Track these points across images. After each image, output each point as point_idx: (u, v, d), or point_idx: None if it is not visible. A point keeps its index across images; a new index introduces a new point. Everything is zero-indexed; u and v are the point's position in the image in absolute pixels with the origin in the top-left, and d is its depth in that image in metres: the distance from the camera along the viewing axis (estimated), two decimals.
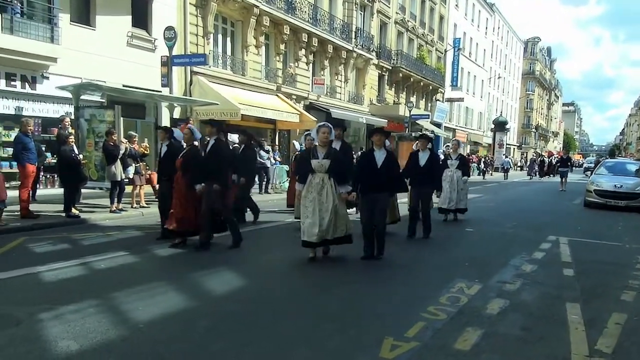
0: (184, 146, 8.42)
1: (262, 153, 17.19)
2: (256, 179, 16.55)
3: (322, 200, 7.01)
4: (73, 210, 10.55)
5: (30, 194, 10.72)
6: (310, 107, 25.53)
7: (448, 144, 14.77)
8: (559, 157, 34.15)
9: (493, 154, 49.20)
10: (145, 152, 12.59)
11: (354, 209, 9.74)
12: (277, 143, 23.06)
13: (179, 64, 16.59)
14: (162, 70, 16.12)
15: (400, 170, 8.70)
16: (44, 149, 12.59)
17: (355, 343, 4.33)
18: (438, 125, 41.69)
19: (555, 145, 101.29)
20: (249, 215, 11.06)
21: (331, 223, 7.02)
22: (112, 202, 11.44)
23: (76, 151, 10.90)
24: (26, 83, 13.47)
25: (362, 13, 31.12)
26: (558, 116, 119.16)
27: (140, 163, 12.27)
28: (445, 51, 44.84)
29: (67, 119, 12.00)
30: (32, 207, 10.46)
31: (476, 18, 53.64)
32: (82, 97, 12.61)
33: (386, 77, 35.01)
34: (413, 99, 37.79)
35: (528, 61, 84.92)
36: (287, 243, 8.44)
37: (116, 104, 12.37)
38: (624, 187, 16.29)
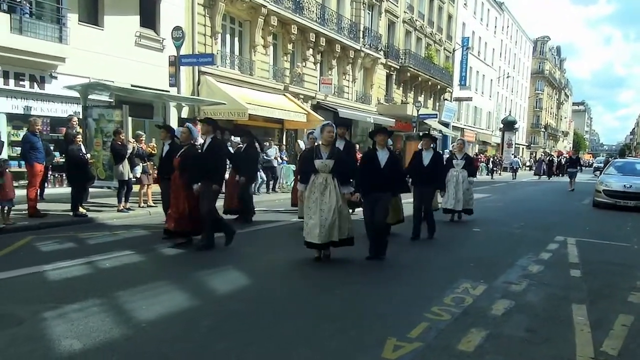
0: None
1: (270, 152, 17.23)
2: (261, 177, 16.65)
3: (324, 200, 6.93)
4: (80, 209, 10.60)
5: (38, 193, 10.78)
6: (318, 107, 25.51)
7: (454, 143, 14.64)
8: (568, 157, 33.92)
9: (502, 154, 48.97)
10: (153, 151, 12.64)
11: (360, 209, 9.69)
12: (284, 143, 23.06)
13: (187, 64, 16.63)
14: (169, 70, 16.18)
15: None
16: (52, 148, 12.66)
17: (357, 343, 4.32)
18: (446, 124, 41.57)
19: (565, 145, 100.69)
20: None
21: (334, 224, 6.91)
22: (119, 202, 11.49)
23: (84, 150, 10.94)
24: (35, 83, 13.54)
25: (370, 12, 31.06)
26: (568, 116, 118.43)
27: (148, 162, 12.32)
28: (454, 50, 44.68)
29: (75, 119, 12.05)
30: (40, 206, 10.52)
31: (485, 17, 53.39)
32: (90, 96, 12.66)
33: (394, 77, 34.92)
34: (421, 98, 37.69)
35: (537, 60, 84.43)
36: (291, 243, 8.43)
37: (124, 104, 12.41)
38: (634, 187, 16.13)
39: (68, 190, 10.92)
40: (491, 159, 40.96)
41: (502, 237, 10.17)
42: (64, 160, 11.74)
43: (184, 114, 16.60)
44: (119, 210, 11.33)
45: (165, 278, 6.22)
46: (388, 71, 33.98)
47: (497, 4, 57.08)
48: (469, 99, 46.98)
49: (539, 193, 23.59)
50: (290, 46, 23.84)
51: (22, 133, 11.91)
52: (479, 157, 40.41)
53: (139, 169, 12.02)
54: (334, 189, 6.96)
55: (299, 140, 10.90)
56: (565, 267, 7.55)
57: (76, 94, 12.64)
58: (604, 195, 16.55)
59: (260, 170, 16.68)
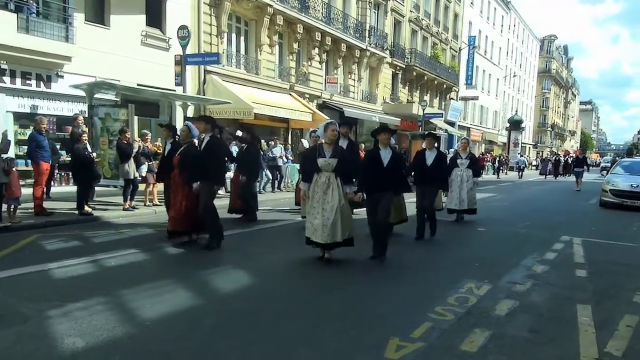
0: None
1: (275, 151, 17.25)
2: (267, 176, 16.69)
3: (327, 200, 6.86)
4: (86, 207, 10.65)
5: (44, 192, 10.83)
6: (324, 106, 25.51)
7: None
8: (575, 156, 33.73)
9: (508, 153, 48.82)
10: (158, 150, 12.65)
11: (362, 209, 9.64)
12: (289, 142, 23.07)
13: (193, 63, 16.66)
14: (175, 69, 16.23)
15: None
16: (58, 147, 12.72)
17: (359, 343, 4.32)
18: (452, 124, 41.50)
19: (572, 145, 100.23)
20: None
21: (337, 223, 6.82)
22: (125, 200, 11.53)
23: (89, 149, 10.97)
24: (41, 82, 13.61)
25: (376, 11, 31.02)
26: (575, 115, 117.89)
27: (154, 161, 12.34)
28: (460, 49, 44.56)
29: (81, 117, 12.10)
30: (46, 204, 10.56)
31: (492, 16, 53.23)
32: (96, 95, 12.70)
33: (400, 76, 34.87)
34: (427, 97, 37.65)
35: (544, 59, 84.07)
36: (294, 242, 8.41)
37: (130, 103, 12.43)
38: None
39: (74, 188, 10.95)
40: (497, 159, 40.81)
41: (507, 237, 10.13)
42: (70, 158, 11.79)
43: (190, 113, 16.64)
44: (124, 209, 11.37)
45: (170, 277, 6.23)
46: (394, 70, 33.92)
47: (504, 2, 56.90)
48: (475, 98, 46.86)
49: (545, 193, 23.51)
50: (296, 45, 23.85)
51: (28, 132, 11.97)
52: (485, 156, 40.31)
53: (144, 168, 12.08)
54: (337, 188, 6.89)
55: (302, 139, 10.89)
56: (571, 267, 7.52)
57: (82, 93, 12.68)
58: (611, 195, 16.47)
59: (266, 169, 16.74)
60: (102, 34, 15.02)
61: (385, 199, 7.28)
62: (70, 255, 7.03)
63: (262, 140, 17.61)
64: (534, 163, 58.33)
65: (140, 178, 11.83)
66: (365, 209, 7.78)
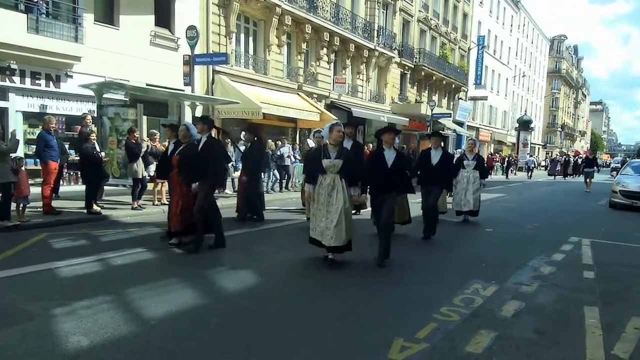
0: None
1: (283, 150, 17.26)
2: (274, 176, 16.70)
3: (331, 202, 6.77)
4: (94, 207, 10.69)
5: (53, 191, 10.89)
6: (332, 106, 25.50)
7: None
8: (585, 156, 33.50)
9: (517, 153, 48.59)
10: None
11: (367, 209, 9.57)
12: (297, 142, 23.08)
13: (201, 63, 16.70)
14: (184, 69, 16.27)
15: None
16: (67, 146, 12.79)
17: (363, 343, 4.31)
18: (461, 124, 41.35)
19: (582, 145, 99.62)
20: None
21: (341, 226, 6.72)
22: (133, 199, 11.59)
23: (98, 149, 11.03)
24: (50, 82, 13.70)
25: (385, 11, 30.96)
26: (585, 115, 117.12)
27: None
28: (469, 49, 44.39)
29: (89, 117, 12.16)
30: (55, 203, 10.62)
31: (501, 15, 52.97)
32: (105, 95, 12.76)
33: (408, 76, 34.78)
34: (435, 97, 37.55)
35: (554, 59, 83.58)
36: (300, 242, 8.36)
37: (139, 103, 12.47)
38: None
39: (83, 188, 11.02)
40: (506, 159, 40.62)
41: (514, 238, 10.08)
42: (78, 158, 11.86)
43: (198, 112, 16.68)
44: (133, 208, 11.42)
45: (175, 276, 6.24)
46: (402, 70, 33.85)
47: (514, 2, 56.60)
48: (484, 98, 46.67)
49: (555, 193, 23.36)
50: (304, 45, 23.85)
51: (37, 131, 12.05)
52: (494, 156, 40.14)
53: (153, 167, 12.11)
54: (342, 190, 6.79)
55: (308, 139, 10.84)
56: (579, 268, 7.46)
57: (91, 93, 12.75)
58: (621, 195, 16.33)
59: (274, 169, 16.77)
60: (111, 34, 15.09)
61: (389, 200, 7.18)
62: (77, 254, 7.08)
63: (270, 140, 17.67)
64: (543, 163, 57.97)
65: (148, 177, 11.88)
66: (369, 209, 7.71)
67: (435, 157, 9.51)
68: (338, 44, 25.72)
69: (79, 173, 12.28)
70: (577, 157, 43.39)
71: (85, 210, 10.56)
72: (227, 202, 12.23)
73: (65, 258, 6.81)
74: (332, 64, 26.48)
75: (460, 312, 5.13)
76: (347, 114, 25.49)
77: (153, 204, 12.14)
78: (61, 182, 12.61)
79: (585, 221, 13.29)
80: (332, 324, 4.75)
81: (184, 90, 15.80)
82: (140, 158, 11.41)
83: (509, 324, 4.91)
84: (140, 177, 11.51)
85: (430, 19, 36.82)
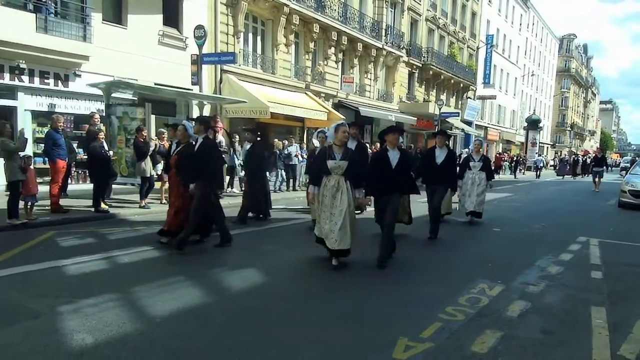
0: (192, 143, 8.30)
1: (290, 150, 17.26)
2: (281, 176, 16.71)
3: (335, 204, 6.63)
4: (102, 205, 10.74)
5: (61, 189, 10.95)
6: (339, 105, 25.50)
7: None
8: (594, 155, 33.24)
9: (526, 153, 48.36)
10: None
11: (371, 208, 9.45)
12: (305, 141, 23.09)
13: (209, 62, 16.75)
14: (192, 69, 16.33)
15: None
16: (75, 145, 12.86)
17: (367, 343, 4.30)
18: (469, 123, 41.20)
19: (592, 145, 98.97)
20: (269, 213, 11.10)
21: (346, 229, 6.59)
22: (141, 198, 11.62)
23: (106, 147, 11.08)
24: (59, 81, 13.80)
25: (393, 10, 30.91)
26: (595, 114, 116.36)
27: None
28: (478, 48, 44.21)
29: (97, 116, 12.22)
30: (63, 202, 10.68)
31: (510, 14, 52.73)
32: (114, 94, 12.83)
33: (416, 75, 34.72)
34: (443, 96, 37.47)
35: (563, 58, 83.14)
36: (305, 241, 8.37)
37: (147, 102, 12.53)
38: None
39: (91, 186, 11.07)
40: (515, 158, 40.42)
41: (522, 238, 10.02)
42: (86, 157, 11.92)
43: (206, 112, 16.74)
44: (140, 207, 11.46)
45: (181, 274, 6.26)
46: (410, 69, 33.78)
47: (523, 1, 56.32)
48: (493, 97, 46.46)
49: (563, 193, 23.21)
50: (312, 45, 23.86)
51: (46, 130, 12.13)
52: (503, 155, 39.96)
53: (160, 166, 12.14)
54: (347, 192, 6.65)
55: (313, 139, 10.75)
56: (587, 268, 7.41)
57: (99, 92, 12.81)
58: (630, 195, 16.19)
59: (281, 168, 16.77)
60: (120, 34, 15.17)
61: (393, 202, 7.06)
62: (84, 252, 7.11)
63: (276, 140, 17.70)
64: (552, 163, 57.62)
65: (156, 176, 11.92)
66: (371, 209, 7.59)
67: (440, 156, 9.40)
68: (346, 43, 25.70)
69: (87, 172, 12.34)
70: (586, 157, 43.05)
71: (93, 209, 10.61)
72: (234, 201, 12.24)
73: (72, 256, 6.84)
74: (340, 63, 26.48)
75: (466, 312, 5.11)
76: (354, 113, 25.49)
77: (160, 203, 12.17)
78: (69, 181, 12.70)
79: (594, 221, 13.19)
80: (337, 324, 4.75)
81: (191, 90, 15.86)
82: (148, 157, 11.45)
83: (515, 324, 4.88)
84: (149, 175, 11.56)
85: (439, 18, 36.72)
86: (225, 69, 18.81)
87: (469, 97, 42.75)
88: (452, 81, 38.76)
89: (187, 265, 6.88)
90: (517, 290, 6.06)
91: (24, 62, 12.86)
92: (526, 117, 54.63)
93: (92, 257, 6.86)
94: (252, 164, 10.79)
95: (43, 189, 10.26)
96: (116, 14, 15.44)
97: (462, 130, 38.88)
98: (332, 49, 25.11)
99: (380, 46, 28.41)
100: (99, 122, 12.02)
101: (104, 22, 14.72)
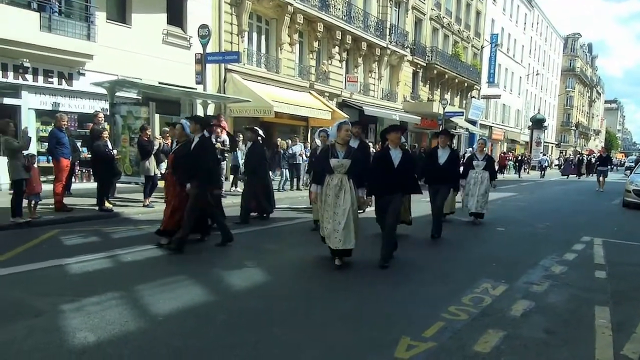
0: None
1: (295, 149, 17.24)
2: (285, 175, 16.70)
3: (339, 203, 6.53)
4: (106, 204, 10.76)
5: (65, 188, 10.97)
6: (343, 105, 25.49)
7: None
8: (599, 155, 33.08)
9: (530, 152, 48.22)
10: None
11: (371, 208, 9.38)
12: (309, 140, 23.08)
13: (213, 62, 16.74)
14: (196, 68, 16.31)
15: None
16: (79, 144, 12.87)
17: (370, 342, 4.29)
18: (473, 122, 41.13)
19: (596, 144, 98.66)
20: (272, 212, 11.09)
21: (350, 228, 6.52)
22: (145, 197, 11.64)
23: (110, 146, 11.09)
24: (63, 79, 13.83)
25: (397, 9, 30.87)
26: (600, 114, 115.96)
27: None
28: (482, 47, 44.11)
29: (101, 114, 12.22)
30: (67, 200, 10.70)
31: (515, 13, 52.60)
32: (118, 93, 12.85)
33: (420, 74, 34.68)
34: (447, 96, 37.43)
35: (568, 58, 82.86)
36: (308, 241, 8.37)
37: (151, 101, 12.54)
38: None
39: (95, 185, 11.09)
40: (519, 157, 40.29)
41: (526, 237, 9.99)
42: (90, 155, 11.94)
43: (210, 111, 16.75)
44: (144, 206, 11.47)
45: (184, 273, 6.26)
46: (414, 69, 33.75)
47: (527, 0, 56.19)
48: (497, 96, 46.35)
49: (567, 193, 23.14)
50: (316, 44, 23.86)
51: (50, 129, 12.16)
52: (507, 155, 39.86)
53: (164, 165, 12.15)
54: (350, 191, 6.57)
55: (315, 138, 10.66)
56: (590, 268, 7.38)
57: (103, 91, 12.83)
58: (634, 195, 16.12)
59: (286, 167, 16.77)
60: (124, 33, 15.19)
61: (395, 202, 6.99)
62: (88, 251, 7.12)
63: (279, 139, 17.69)
64: (556, 163, 57.39)
65: (160, 175, 11.92)
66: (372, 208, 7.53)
67: (443, 156, 9.30)
68: (350, 42, 25.68)
69: (91, 170, 12.36)
70: (590, 156, 42.87)
71: (97, 208, 10.64)
72: (238, 200, 12.22)
73: (76, 255, 6.85)
74: (344, 62, 26.49)
75: (469, 312, 5.09)
76: (358, 112, 25.48)
77: (164, 202, 12.15)
78: (73, 180, 12.73)
79: (598, 220, 13.14)
80: (339, 323, 4.74)
81: (196, 89, 15.86)
82: (152, 156, 11.47)
83: (518, 324, 4.86)
84: (153, 174, 11.56)
85: (443, 17, 36.66)
86: (229, 68, 18.82)
87: (473, 97, 42.68)
88: (457, 80, 38.70)
89: (189, 264, 6.88)
90: (520, 289, 6.04)
91: (28, 60, 12.89)
92: (531, 116, 54.48)
93: (95, 256, 6.86)
94: (252, 163, 10.77)
95: (47, 187, 10.26)
96: (120, 13, 15.48)
97: (467, 129, 38.80)
98: (336, 48, 25.09)
99: (385, 45, 28.38)
100: (103, 121, 12.01)
101: (108, 21, 14.75)
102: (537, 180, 32.67)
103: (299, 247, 8.28)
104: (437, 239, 9.17)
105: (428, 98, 35.31)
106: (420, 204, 10.64)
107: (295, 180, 17.53)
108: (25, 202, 9.11)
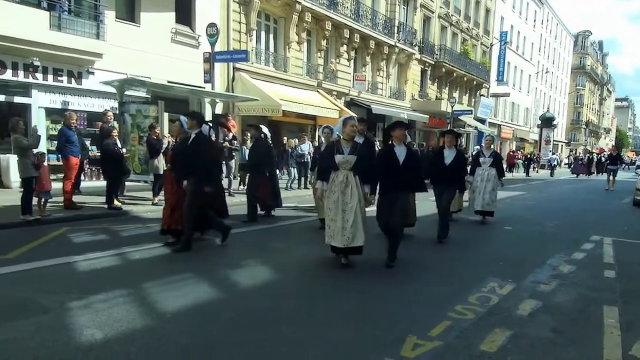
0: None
1: (303, 147, 17.24)
2: (293, 174, 16.71)
3: (346, 200, 6.42)
4: (115, 202, 10.81)
5: (75, 186, 11.04)
6: (351, 103, 25.47)
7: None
8: (609, 153, 32.82)
9: (539, 151, 47.96)
10: None
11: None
12: (317, 139, 23.07)
13: (221, 60, 16.77)
14: (204, 67, 16.34)
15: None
16: (88, 142, 12.94)
17: (376, 341, 4.29)
18: (482, 121, 40.95)
19: (607, 142, 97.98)
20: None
21: (358, 224, 6.42)
22: (154, 195, 11.69)
23: (119, 145, 11.15)
24: (72, 78, 13.92)
25: (405, 7, 30.79)
26: (610, 112, 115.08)
27: None
28: (491, 45, 43.90)
29: (110, 113, 12.29)
30: (76, 198, 10.77)
31: (524, 10, 52.30)
32: (127, 92, 12.91)
33: (429, 72, 34.57)
34: (456, 94, 37.30)
35: (578, 55, 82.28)
36: (314, 240, 8.31)
37: (160, 99, 12.58)
38: None
39: (104, 183, 11.15)
40: (528, 156, 40.05)
41: (534, 236, 9.93)
42: (99, 154, 12.00)
43: (219, 109, 16.80)
44: (153, 204, 11.52)
45: (191, 270, 6.29)
46: (423, 67, 33.65)
47: None
48: (507, 94, 46.14)
49: (577, 191, 23.01)
50: (324, 42, 23.84)
51: (59, 127, 12.23)
52: (516, 153, 39.66)
53: None
54: (356, 187, 6.47)
55: (321, 137, 10.61)
56: (599, 267, 7.34)
57: (112, 90, 12.90)
58: None
59: (294, 166, 16.78)
60: (133, 32, 15.27)
61: (400, 200, 6.86)
62: (96, 249, 7.15)
63: (285, 138, 17.71)
64: (566, 161, 56.99)
65: None
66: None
67: (449, 156, 9.07)
68: (358, 40, 25.65)
69: (101, 169, 12.42)
70: (601, 155, 42.55)
71: (106, 206, 10.70)
72: (245, 199, 12.24)
73: (84, 252, 6.89)
74: (352, 61, 26.45)
75: (476, 311, 5.08)
76: (366, 111, 25.44)
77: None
78: (83, 178, 12.80)
79: (608, 220, 13.06)
80: (346, 322, 4.74)
81: (204, 88, 15.91)
82: (161, 154, 11.50)
83: (525, 323, 4.84)
84: (161, 172, 11.58)
85: (452, 15, 36.51)
86: (237, 67, 18.86)
87: (482, 95, 42.49)
88: (465, 79, 38.54)
89: (196, 262, 6.90)
90: (528, 289, 6.02)
91: (37, 59, 12.99)
92: (540, 114, 54.17)
93: (103, 254, 6.90)
94: (253, 161, 10.77)
95: (56, 185, 10.34)
96: (129, 11, 15.55)
97: (475, 128, 38.65)
98: (344, 46, 25.07)
99: (393, 43, 28.32)
100: (112, 120, 12.08)
101: (117, 20, 14.83)
102: (546, 179, 32.50)
103: (305, 246, 8.29)
104: (443, 239, 8.93)
105: (436, 96, 35.20)
106: (426, 203, 10.60)
107: (303, 179, 17.54)
108: (35, 200, 9.17)
